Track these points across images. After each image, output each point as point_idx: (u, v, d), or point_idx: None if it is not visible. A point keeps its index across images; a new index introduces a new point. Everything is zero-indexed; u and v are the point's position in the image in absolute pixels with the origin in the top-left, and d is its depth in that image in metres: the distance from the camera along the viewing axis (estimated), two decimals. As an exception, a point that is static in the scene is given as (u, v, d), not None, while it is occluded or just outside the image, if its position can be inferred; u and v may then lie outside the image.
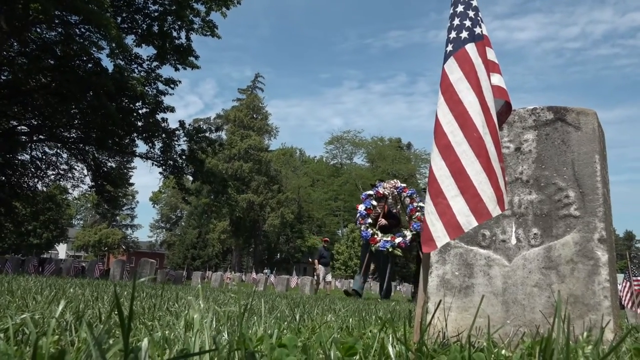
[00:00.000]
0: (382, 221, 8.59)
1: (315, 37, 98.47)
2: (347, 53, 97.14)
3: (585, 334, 1.46)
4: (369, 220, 8.66)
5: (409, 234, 8.45)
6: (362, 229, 8.70)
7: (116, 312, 0.64)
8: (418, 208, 8.56)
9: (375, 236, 8.48)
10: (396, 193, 8.89)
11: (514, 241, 1.70)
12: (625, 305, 8.12)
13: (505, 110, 1.38)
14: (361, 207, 8.86)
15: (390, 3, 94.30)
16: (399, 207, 9.00)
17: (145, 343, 0.73)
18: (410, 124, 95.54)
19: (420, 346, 1.02)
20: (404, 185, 9.04)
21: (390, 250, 8.32)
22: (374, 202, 8.82)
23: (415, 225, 8.51)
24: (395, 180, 9.17)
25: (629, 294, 8.24)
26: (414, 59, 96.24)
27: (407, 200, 8.79)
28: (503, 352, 1.12)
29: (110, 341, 0.96)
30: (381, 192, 8.91)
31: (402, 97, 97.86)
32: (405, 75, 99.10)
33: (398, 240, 8.39)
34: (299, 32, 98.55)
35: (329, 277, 14.07)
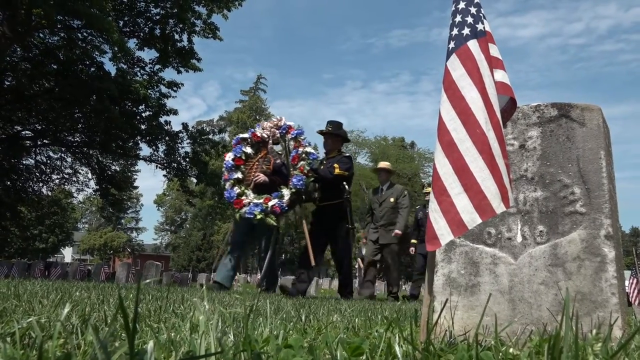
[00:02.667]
0: (260, 177, 5.92)
1: (318, 38, 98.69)
2: (350, 53, 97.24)
3: (593, 331, 1.45)
4: (237, 175, 6.02)
5: (287, 194, 5.69)
6: (226, 187, 6.03)
7: (121, 315, 0.63)
8: (304, 155, 5.83)
9: (243, 197, 5.82)
10: (278, 135, 6.21)
11: (519, 239, 1.69)
12: (632, 302, 8.07)
13: (510, 106, 1.38)
14: (229, 157, 6.16)
15: (392, 2, 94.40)
16: (283, 155, 6.32)
17: (150, 345, 0.73)
18: (413, 123, 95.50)
19: (427, 345, 1.01)
20: (290, 123, 6.24)
21: (259, 216, 5.62)
22: (248, 150, 6.18)
23: (295, 181, 5.70)
24: (278, 117, 6.44)
25: (636, 291, 8.18)
26: (417, 57, 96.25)
27: (292, 144, 6.07)
28: (511, 350, 1.11)
29: (116, 344, 0.96)
30: (259, 134, 6.20)
31: (406, 96, 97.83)
32: (409, 74, 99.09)
33: (273, 202, 5.64)
34: (302, 32, 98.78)
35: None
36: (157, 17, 16.69)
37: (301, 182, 5.74)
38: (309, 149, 5.91)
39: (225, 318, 1.50)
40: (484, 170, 1.18)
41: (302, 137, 6.04)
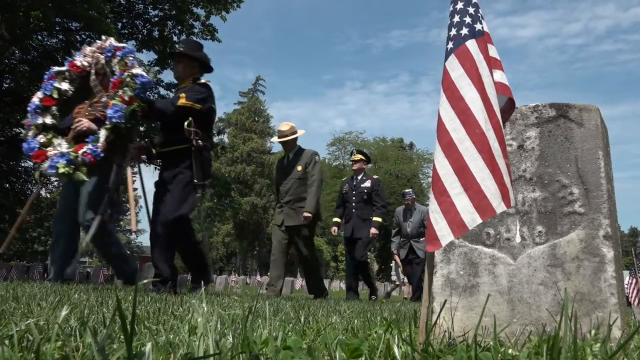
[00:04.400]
0: (83, 123, 4.18)
1: (317, 38, 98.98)
2: (349, 54, 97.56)
3: (592, 331, 1.45)
4: (43, 120, 4.34)
5: (102, 134, 3.98)
6: (28, 135, 4.30)
7: (119, 317, 0.63)
8: (128, 79, 4.04)
9: (50, 148, 4.13)
10: (103, 61, 4.42)
11: (518, 239, 1.69)
12: (632, 302, 8.06)
13: (508, 107, 1.38)
14: (36, 97, 4.46)
15: (392, 2, 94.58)
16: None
17: (148, 347, 0.73)
18: (413, 124, 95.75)
19: (426, 346, 1.01)
20: (120, 44, 4.48)
21: (62, 170, 3.90)
22: (64, 86, 4.51)
23: (111, 112, 3.96)
24: (105, 37, 4.64)
25: (635, 291, 8.18)
26: (416, 58, 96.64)
27: (117, 68, 4.24)
28: (510, 351, 1.11)
29: (114, 346, 0.95)
30: (78, 64, 4.55)
31: (405, 96, 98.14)
32: (408, 75, 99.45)
33: (84, 150, 3.95)
34: (301, 33, 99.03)
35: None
36: (156, 19, 16.71)
37: (119, 113, 3.94)
38: (136, 70, 4.12)
39: (224, 320, 1.50)
40: (484, 170, 1.18)
41: (129, 58, 4.23)
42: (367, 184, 7.06)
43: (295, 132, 6.20)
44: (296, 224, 5.93)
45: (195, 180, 4.15)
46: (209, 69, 4.71)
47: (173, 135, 4.26)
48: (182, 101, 4.15)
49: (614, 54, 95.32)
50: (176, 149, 4.24)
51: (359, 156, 7.30)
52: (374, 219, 6.89)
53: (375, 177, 7.28)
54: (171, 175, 4.24)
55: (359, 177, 7.16)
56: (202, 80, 4.47)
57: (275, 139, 6.38)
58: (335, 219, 7.31)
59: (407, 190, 9.12)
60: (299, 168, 6.03)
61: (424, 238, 8.00)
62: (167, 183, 4.22)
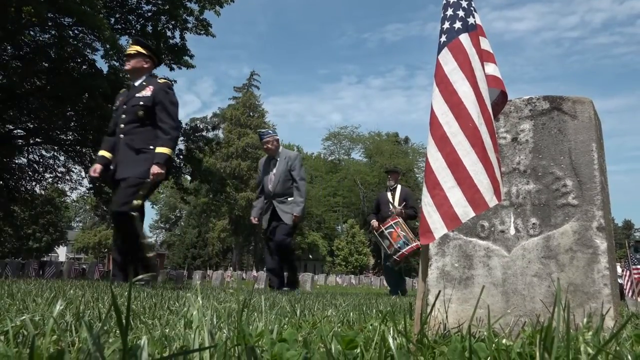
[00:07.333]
0: None
1: (313, 33, 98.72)
2: (345, 48, 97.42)
3: (585, 320, 1.47)
4: None
5: None
6: None
7: (114, 311, 0.63)
8: None
9: None
10: None
11: (512, 231, 1.70)
12: (626, 294, 8.12)
13: (501, 100, 1.38)
14: None
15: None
16: None
17: (144, 341, 0.73)
18: (409, 118, 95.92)
19: (421, 338, 1.02)
20: None
21: None
22: None
23: None
24: None
25: (629, 283, 8.24)
26: (412, 52, 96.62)
27: None
28: (504, 341, 1.12)
29: (110, 340, 0.96)
30: None
31: (401, 91, 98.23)
32: (404, 69, 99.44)
33: None
34: (297, 28, 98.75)
35: None
36: (149, 14, 16.60)
37: None
38: None
39: (220, 314, 1.50)
40: (477, 164, 1.18)
41: None
42: (147, 92, 4.26)
43: None
44: None
45: None
46: None
47: None
48: None
49: (610, 47, 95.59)
50: None
51: (137, 48, 4.44)
52: (159, 149, 4.16)
53: (161, 80, 4.44)
54: None
55: (137, 83, 4.42)
56: None
57: None
58: (102, 152, 4.47)
59: (263, 130, 6.27)
60: None
61: (291, 198, 5.88)
62: None
